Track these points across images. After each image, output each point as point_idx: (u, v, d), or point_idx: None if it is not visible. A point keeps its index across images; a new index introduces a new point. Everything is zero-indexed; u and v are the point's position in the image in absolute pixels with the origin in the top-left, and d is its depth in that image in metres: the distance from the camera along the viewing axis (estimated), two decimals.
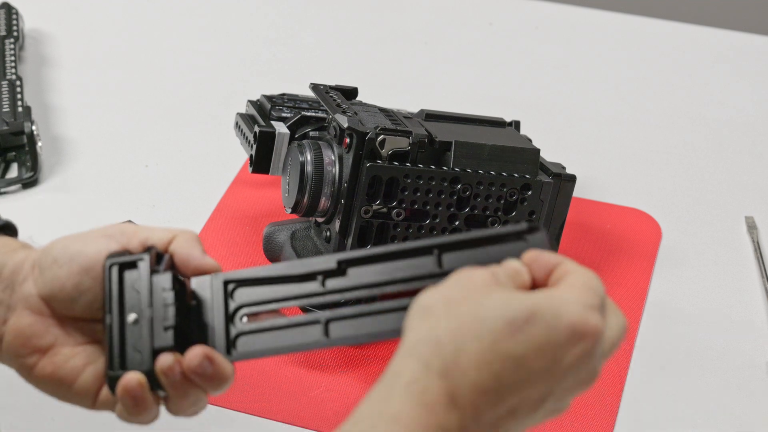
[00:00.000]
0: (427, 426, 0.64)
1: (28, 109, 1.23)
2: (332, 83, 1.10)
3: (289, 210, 1.03)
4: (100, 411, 0.76)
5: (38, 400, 0.98)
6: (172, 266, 0.76)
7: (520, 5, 1.50)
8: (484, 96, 1.35)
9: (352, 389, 0.99)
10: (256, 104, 1.14)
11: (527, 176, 1.02)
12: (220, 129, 1.27)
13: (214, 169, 1.23)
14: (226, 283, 0.75)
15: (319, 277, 0.74)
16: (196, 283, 0.76)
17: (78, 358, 0.76)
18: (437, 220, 1.00)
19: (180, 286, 0.75)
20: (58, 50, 1.41)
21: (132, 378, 0.72)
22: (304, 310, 0.75)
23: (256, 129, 1.09)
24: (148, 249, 0.75)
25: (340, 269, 0.74)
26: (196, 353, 0.72)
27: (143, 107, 1.32)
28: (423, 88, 1.36)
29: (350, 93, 1.08)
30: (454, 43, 1.44)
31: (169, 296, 0.74)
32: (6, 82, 1.27)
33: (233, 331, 0.74)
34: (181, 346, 0.73)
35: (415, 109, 1.13)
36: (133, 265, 0.74)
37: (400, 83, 1.37)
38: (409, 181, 0.99)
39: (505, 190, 1.01)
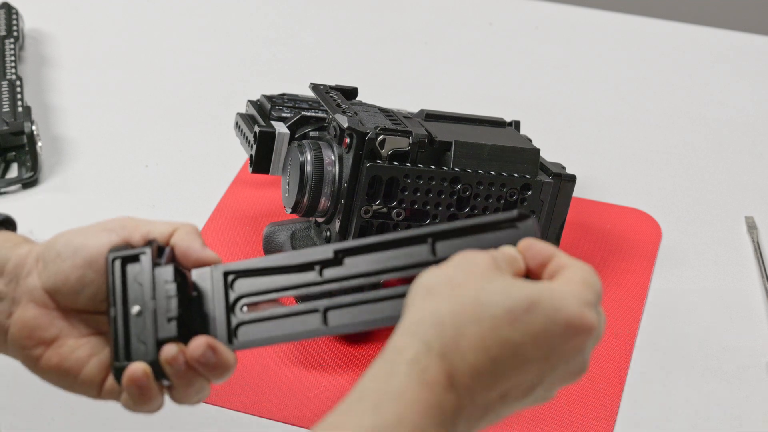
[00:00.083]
0: (427, 404, 0.66)
1: (28, 109, 1.23)
2: (332, 83, 1.10)
3: (289, 210, 1.03)
4: (106, 400, 0.77)
5: (38, 400, 0.98)
6: (173, 259, 0.77)
7: (520, 5, 1.50)
8: (484, 96, 1.35)
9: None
10: (256, 104, 1.14)
11: (527, 176, 1.02)
12: (220, 129, 1.27)
13: (214, 169, 1.23)
14: (226, 274, 0.76)
15: (317, 267, 0.75)
16: (196, 275, 0.77)
17: (83, 349, 0.77)
18: (437, 220, 1.00)
19: (181, 278, 0.76)
20: (58, 50, 1.41)
21: (137, 368, 0.73)
22: (302, 299, 0.76)
23: (256, 129, 1.09)
24: (149, 242, 0.77)
25: (337, 259, 0.75)
26: (199, 343, 0.73)
27: (143, 107, 1.32)
28: (423, 88, 1.36)
29: (350, 93, 1.08)
30: (454, 43, 1.44)
31: (172, 288, 0.75)
32: (6, 82, 1.27)
33: (234, 321, 0.75)
34: (184, 336, 0.74)
35: (415, 109, 1.13)
36: (135, 258, 0.76)
37: (400, 83, 1.37)
38: (409, 181, 0.99)
39: (505, 190, 1.01)
